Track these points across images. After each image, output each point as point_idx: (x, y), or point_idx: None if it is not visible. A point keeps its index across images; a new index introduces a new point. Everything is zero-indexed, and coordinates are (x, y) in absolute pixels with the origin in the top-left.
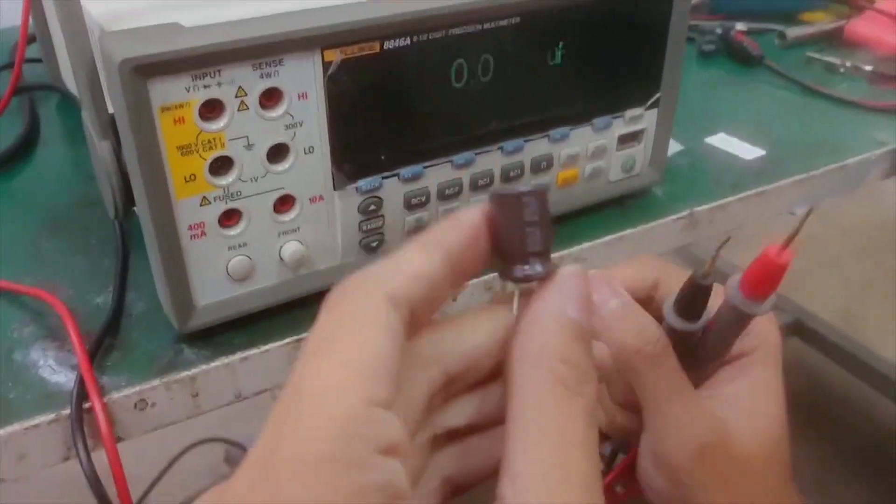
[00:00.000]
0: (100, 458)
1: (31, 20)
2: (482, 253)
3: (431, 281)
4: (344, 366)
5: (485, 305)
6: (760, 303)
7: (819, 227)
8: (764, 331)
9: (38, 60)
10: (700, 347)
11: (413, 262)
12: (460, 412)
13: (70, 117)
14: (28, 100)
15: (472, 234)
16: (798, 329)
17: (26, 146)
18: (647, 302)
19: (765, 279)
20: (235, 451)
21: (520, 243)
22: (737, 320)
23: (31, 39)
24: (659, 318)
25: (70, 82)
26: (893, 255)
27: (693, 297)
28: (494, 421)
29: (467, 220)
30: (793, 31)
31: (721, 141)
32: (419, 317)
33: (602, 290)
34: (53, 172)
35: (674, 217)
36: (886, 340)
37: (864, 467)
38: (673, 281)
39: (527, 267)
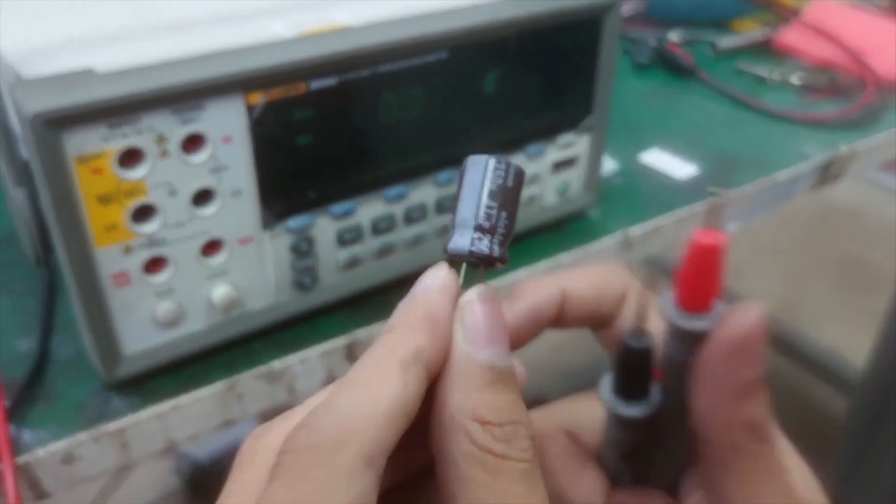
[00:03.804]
0: None
1: None
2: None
3: (409, 412)
4: None
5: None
6: (706, 313)
7: (759, 217)
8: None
9: None
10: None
11: (385, 396)
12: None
13: None
14: None
15: (445, 331)
16: None
17: None
18: (604, 325)
19: (701, 276)
20: (185, 462)
21: (472, 210)
22: (685, 351)
23: None
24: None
25: None
26: (831, 243)
27: (629, 368)
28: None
29: (441, 312)
30: (724, 42)
31: (655, 158)
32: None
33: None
34: None
35: (608, 240)
36: (824, 328)
37: (803, 454)
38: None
39: (477, 238)
